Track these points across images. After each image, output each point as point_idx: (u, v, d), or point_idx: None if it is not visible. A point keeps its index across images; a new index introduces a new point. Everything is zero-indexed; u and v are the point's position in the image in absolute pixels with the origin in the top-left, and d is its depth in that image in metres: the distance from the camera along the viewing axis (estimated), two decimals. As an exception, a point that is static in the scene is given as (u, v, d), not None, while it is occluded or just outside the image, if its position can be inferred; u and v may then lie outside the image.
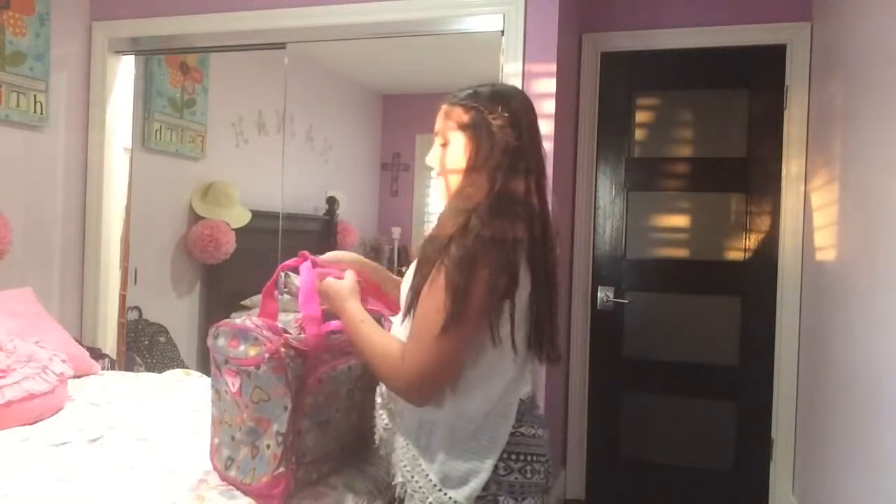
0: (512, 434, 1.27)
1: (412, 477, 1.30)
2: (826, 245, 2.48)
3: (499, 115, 1.27)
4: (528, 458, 1.29)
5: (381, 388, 1.41)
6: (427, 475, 1.28)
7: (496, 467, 1.26)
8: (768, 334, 2.93)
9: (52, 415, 1.97)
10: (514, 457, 1.27)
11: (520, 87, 2.50)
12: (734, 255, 3.03)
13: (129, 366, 3.13)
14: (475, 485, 1.25)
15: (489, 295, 1.19)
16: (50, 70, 2.83)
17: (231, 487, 1.45)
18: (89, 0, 3.06)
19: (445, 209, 1.29)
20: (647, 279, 3.14)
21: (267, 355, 1.36)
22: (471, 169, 1.28)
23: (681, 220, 3.21)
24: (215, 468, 1.50)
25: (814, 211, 2.71)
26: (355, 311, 1.36)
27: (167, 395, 2.27)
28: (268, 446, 1.39)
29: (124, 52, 3.10)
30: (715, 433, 3.06)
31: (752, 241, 2.99)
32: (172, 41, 3.04)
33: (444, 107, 1.35)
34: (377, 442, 1.44)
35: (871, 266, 1.87)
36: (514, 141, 1.26)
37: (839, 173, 2.31)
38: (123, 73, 3.13)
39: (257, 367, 1.38)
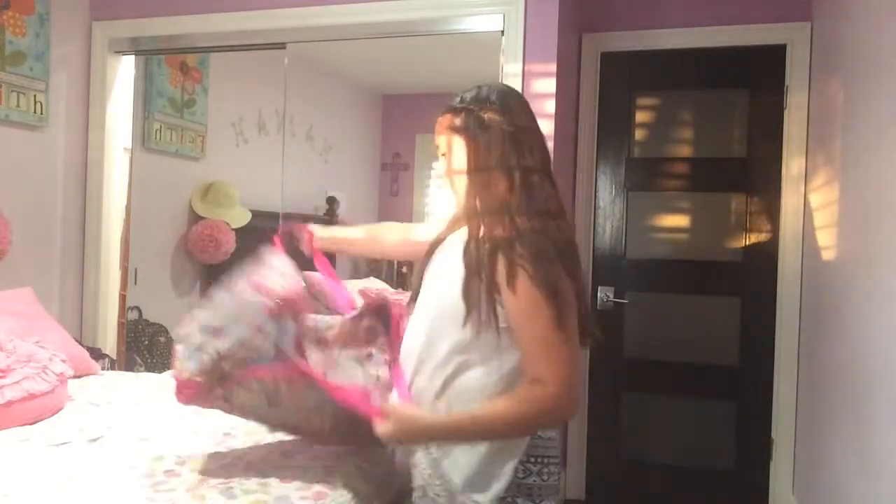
0: (532, 437, 1.28)
1: (433, 480, 1.30)
2: (826, 245, 2.48)
3: (486, 108, 1.28)
4: (545, 460, 1.29)
5: (393, 394, 1.40)
6: (450, 479, 1.28)
7: (516, 471, 1.26)
8: (768, 334, 2.93)
9: (52, 415, 1.97)
10: (532, 459, 1.28)
11: (520, 87, 2.51)
12: (734, 255, 3.03)
13: (129, 366, 3.13)
14: (499, 486, 1.25)
15: (568, 293, 1.20)
16: (50, 70, 2.83)
17: (231, 485, 1.45)
18: (89, 0, 3.06)
19: (478, 210, 1.27)
20: (647, 279, 3.14)
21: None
22: (477, 167, 1.27)
23: (681, 220, 3.21)
24: (176, 377, 1.46)
25: (814, 211, 2.71)
26: (451, 427, 1.25)
27: (167, 395, 2.26)
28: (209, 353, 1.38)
29: (124, 52, 3.10)
30: (715, 433, 3.06)
31: (752, 241, 2.99)
32: (172, 41, 3.04)
33: (438, 119, 1.36)
34: (392, 448, 1.44)
35: (871, 266, 1.87)
36: (508, 126, 1.26)
37: (839, 173, 2.31)
38: (123, 73, 3.13)
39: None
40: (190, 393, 1.41)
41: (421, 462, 1.33)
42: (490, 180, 1.26)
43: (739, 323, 3.01)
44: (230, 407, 1.49)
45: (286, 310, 1.47)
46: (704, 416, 3.08)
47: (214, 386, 1.42)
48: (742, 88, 3.02)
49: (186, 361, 1.40)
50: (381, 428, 1.23)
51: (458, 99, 1.32)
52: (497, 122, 1.26)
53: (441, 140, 1.35)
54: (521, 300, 1.17)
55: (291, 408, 1.48)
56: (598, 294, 3.13)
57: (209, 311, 1.46)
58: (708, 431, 3.08)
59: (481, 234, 1.23)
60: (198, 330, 1.43)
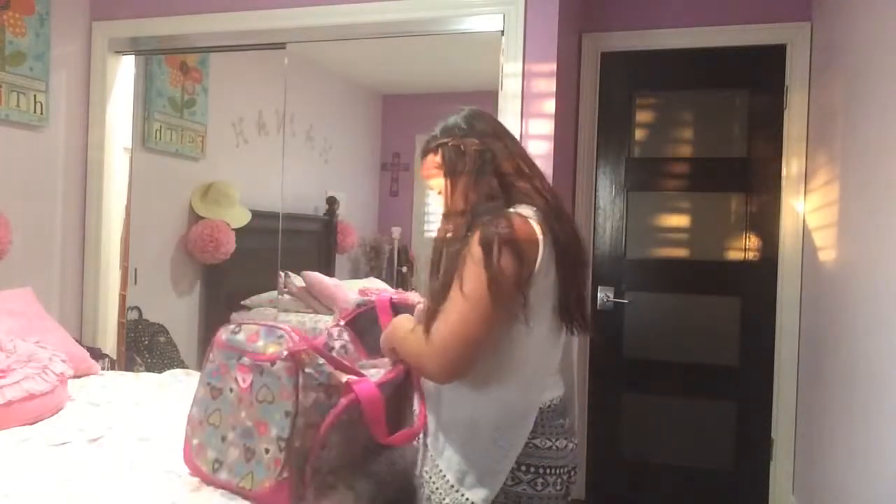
0: (525, 445, 1.28)
1: (430, 478, 1.32)
2: (826, 245, 2.48)
3: (456, 136, 1.38)
4: (540, 470, 1.29)
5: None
6: (444, 475, 1.30)
7: (504, 479, 1.26)
8: (768, 334, 2.93)
9: (52, 415, 1.97)
10: (523, 468, 1.28)
11: (520, 87, 2.51)
12: (734, 255, 3.03)
13: (129, 366, 3.13)
14: (493, 486, 1.26)
15: (504, 278, 1.21)
16: (50, 70, 2.83)
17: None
18: (89, 0, 3.06)
19: (447, 217, 1.37)
20: (647, 279, 3.14)
21: (285, 353, 1.36)
22: (453, 188, 1.37)
23: (681, 220, 3.21)
24: (196, 471, 1.47)
25: (814, 211, 2.71)
26: (392, 325, 1.43)
27: (167, 395, 2.27)
28: (266, 450, 1.36)
29: (124, 52, 3.10)
30: (715, 433, 3.06)
31: (752, 241, 2.99)
32: (172, 41, 3.04)
33: (422, 163, 1.46)
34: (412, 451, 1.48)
35: (871, 266, 1.87)
36: (479, 146, 1.35)
37: (839, 173, 2.31)
38: (123, 73, 3.13)
39: (272, 364, 1.37)
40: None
41: (421, 459, 1.35)
42: (473, 196, 1.34)
43: (739, 323, 3.01)
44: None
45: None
46: (704, 417, 3.08)
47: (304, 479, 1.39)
48: (742, 88, 3.02)
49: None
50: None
51: (431, 138, 1.43)
52: (469, 143, 1.36)
53: (432, 182, 1.44)
54: (455, 283, 1.24)
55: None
56: (598, 294, 3.13)
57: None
58: (708, 431, 3.08)
59: (443, 234, 1.34)
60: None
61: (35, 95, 2.77)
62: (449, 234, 1.32)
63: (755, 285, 2.97)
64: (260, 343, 1.41)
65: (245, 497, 1.40)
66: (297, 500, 1.37)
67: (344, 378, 1.41)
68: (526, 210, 1.29)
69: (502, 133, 1.41)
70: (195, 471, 1.48)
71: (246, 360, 1.41)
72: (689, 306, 3.12)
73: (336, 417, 1.36)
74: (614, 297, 3.11)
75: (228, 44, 2.97)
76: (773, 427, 2.92)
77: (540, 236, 1.25)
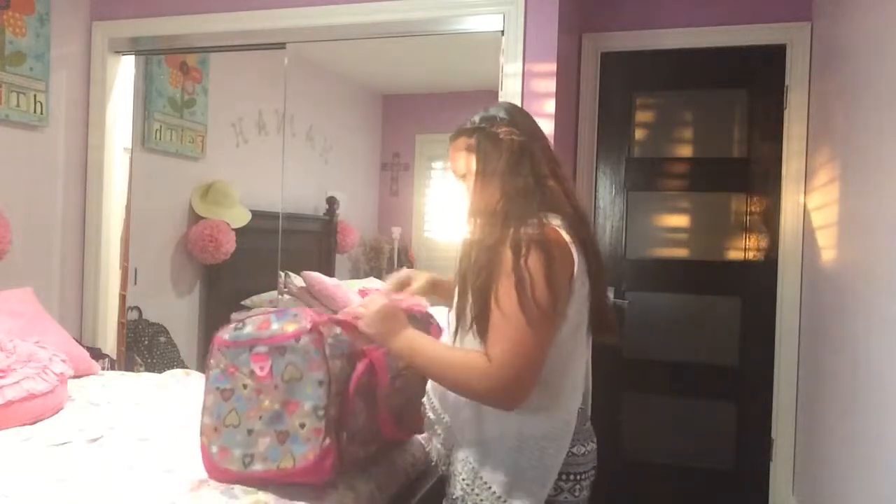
0: (567, 454, 1.29)
1: (472, 490, 1.30)
2: (826, 245, 2.48)
3: (496, 125, 1.33)
4: (577, 476, 1.31)
5: (433, 404, 1.41)
6: (490, 487, 1.28)
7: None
8: (768, 334, 2.93)
9: (52, 415, 1.97)
10: (563, 476, 1.29)
11: (520, 87, 2.51)
12: (734, 254, 3.03)
13: (129, 366, 3.13)
14: (540, 497, 1.26)
15: (556, 286, 1.19)
16: (50, 70, 2.83)
17: (231, 486, 1.45)
18: (89, 0, 3.06)
19: (479, 218, 1.31)
20: (647, 279, 3.14)
21: (309, 326, 1.37)
22: (485, 176, 1.31)
23: (681, 220, 3.21)
24: (224, 475, 1.46)
25: (814, 211, 2.71)
26: (410, 341, 1.32)
27: (167, 395, 2.27)
28: (301, 425, 1.37)
29: (124, 52, 3.10)
30: (715, 433, 3.06)
31: (753, 241, 2.99)
32: (172, 41, 3.04)
33: (450, 144, 1.40)
34: (434, 460, 1.45)
35: (871, 266, 1.87)
36: (520, 137, 1.31)
37: (839, 173, 2.31)
38: (123, 73, 3.13)
39: (297, 340, 1.37)
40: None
41: (460, 473, 1.33)
42: (509, 189, 1.28)
43: (739, 323, 3.01)
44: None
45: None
46: (704, 417, 3.08)
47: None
48: (742, 88, 3.02)
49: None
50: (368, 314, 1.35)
51: (469, 121, 1.37)
52: (511, 133, 1.31)
53: (459, 163, 1.38)
54: (501, 293, 1.19)
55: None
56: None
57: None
58: (708, 431, 3.08)
59: (485, 238, 1.26)
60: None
61: (35, 95, 2.77)
62: (480, 236, 1.27)
63: (755, 285, 2.97)
64: (275, 326, 1.42)
65: (286, 478, 1.40)
66: (340, 465, 1.39)
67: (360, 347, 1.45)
68: (554, 219, 1.26)
69: (540, 133, 1.38)
70: (222, 475, 1.46)
71: (262, 347, 1.41)
72: (689, 306, 3.12)
73: (357, 380, 1.40)
74: (614, 297, 3.11)
75: (228, 44, 2.97)
76: (773, 427, 2.92)
77: (572, 245, 1.24)
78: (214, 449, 1.47)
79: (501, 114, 1.35)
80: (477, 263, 1.24)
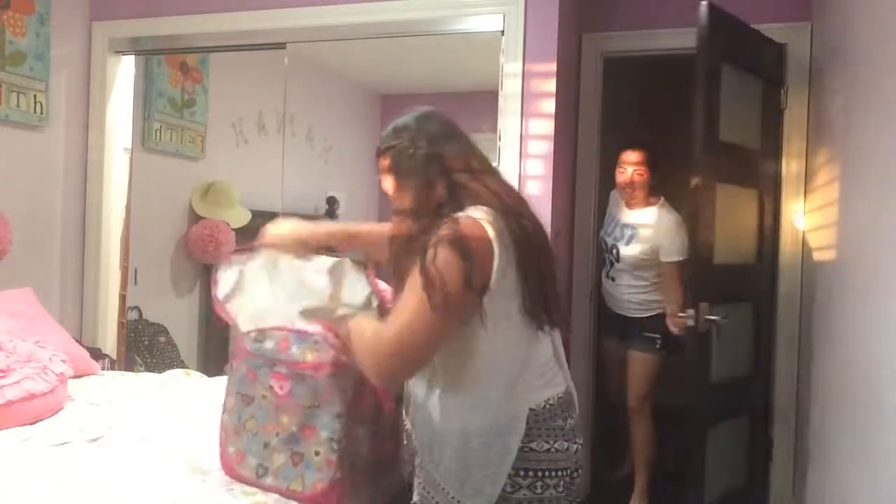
0: (521, 450, 1.27)
1: (428, 492, 1.31)
2: (826, 245, 2.48)
3: (404, 138, 1.38)
4: (540, 473, 1.28)
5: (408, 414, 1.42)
6: (443, 488, 1.29)
7: (505, 485, 1.26)
8: (768, 335, 2.92)
9: (52, 415, 1.97)
10: (521, 473, 1.27)
11: (519, 87, 2.51)
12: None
13: (129, 366, 3.13)
14: (492, 493, 1.25)
15: (466, 281, 1.20)
16: (50, 70, 2.83)
17: (231, 486, 1.45)
18: (89, 0, 3.06)
19: (399, 216, 1.40)
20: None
21: (330, 361, 1.40)
22: (402, 189, 1.37)
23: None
24: (237, 477, 1.48)
25: (814, 211, 2.71)
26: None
27: (167, 395, 2.27)
28: (316, 453, 1.39)
29: (124, 52, 3.10)
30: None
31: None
32: (172, 41, 3.04)
33: (378, 165, 1.45)
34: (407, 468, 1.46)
35: (872, 266, 1.87)
36: (428, 149, 1.34)
37: (839, 173, 2.31)
38: (123, 73, 3.13)
39: (316, 371, 1.40)
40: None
41: (418, 477, 1.34)
42: (422, 196, 1.34)
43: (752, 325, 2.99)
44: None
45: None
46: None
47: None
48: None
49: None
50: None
51: (382, 139, 1.43)
52: (418, 145, 1.35)
53: (385, 184, 1.43)
54: (409, 284, 1.24)
55: None
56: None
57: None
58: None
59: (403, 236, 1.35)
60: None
61: (35, 95, 2.77)
62: (402, 234, 1.34)
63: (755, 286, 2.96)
64: (295, 350, 1.43)
65: (296, 499, 1.42)
66: (346, 499, 1.40)
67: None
68: (477, 212, 1.26)
69: (454, 134, 1.40)
70: (236, 477, 1.48)
71: (282, 368, 1.43)
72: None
73: (357, 407, 1.44)
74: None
75: (228, 44, 2.97)
76: (773, 428, 2.91)
77: (493, 236, 1.23)
78: (232, 450, 1.49)
79: (411, 123, 1.40)
80: (400, 259, 1.32)
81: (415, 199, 1.35)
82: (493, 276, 1.22)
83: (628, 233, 2.94)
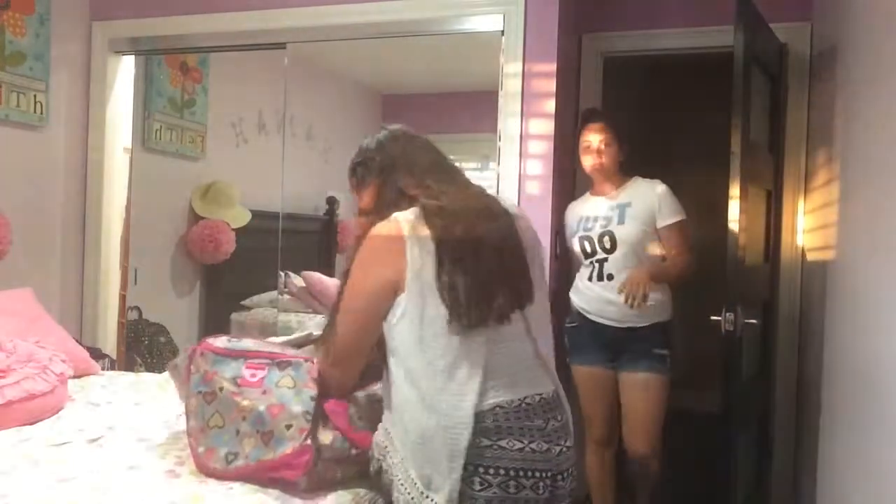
0: (488, 447, 1.27)
1: (405, 488, 1.32)
2: (826, 245, 2.48)
3: (366, 157, 1.53)
4: (511, 472, 1.27)
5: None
6: (415, 483, 1.30)
7: (471, 482, 1.26)
8: (767, 336, 2.92)
9: (52, 415, 1.97)
10: (491, 471, 1.26)
11: (520, 87, 2.51)
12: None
13: (129, 366, 3.13)
14: (451, 487, 1.26)
15: (372, 277, 1.36)
16: (50, 70, 2.83)
17: (231, 486, 1.45)
18: (89, 0, 3.06)
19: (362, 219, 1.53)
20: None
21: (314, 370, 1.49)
22: (363, 196, 1.53)
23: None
24: (211, 473, 1.49)
25: (814, 211, 2.71)
26: None
27: (167, 395, 2.27)
28: (288, 426, 1.42)
29: (124, 52, 3.10)
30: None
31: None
32: (172, 41, 3.04)
33: (351, 188, 1.58)
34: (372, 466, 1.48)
35: (872, 266, 1.87)
36: (386, 161, 1.49)
37: (839, 173, 2.31)
38: (123, 73, 3.13)
39: (300, 363, 1.49)
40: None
41: (396, 475, 1.35)
42: (380, 204, 1.47)
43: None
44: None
45: None
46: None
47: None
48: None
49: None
50: None
51: (350, 162, 1.57)
52: (376, 162, 1.50)
53: (357, 200, 1.56)
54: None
55: None
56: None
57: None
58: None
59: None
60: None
61: (35, 95, 2.77)
62: (361, 232, 1.46)
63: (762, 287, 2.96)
64: (276, 350, 1.58)
65: (265, 471, 1.44)
66: (315, 465, 1.42)
67: None
68: (405, 213, 1.37)
69: (410, 150, 1.51)
70: (209, 472, 1.50)
71: (263, 360, 1.52)
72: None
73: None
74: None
75: (228, 44, 2.97)
76: (773, 428, 2.91)
77: (405, 234, 1.33)
78: (202, 449, 1.51)
79: (372, 144, 1.54)
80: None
81: (368, 202, 1.51)
82: (407, 272, 1.31)
83: (617, 212, 2.47)
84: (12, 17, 2.66)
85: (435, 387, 1.29)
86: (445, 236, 1.32)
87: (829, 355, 2.36)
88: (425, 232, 1.32)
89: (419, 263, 1.30)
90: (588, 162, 2.54)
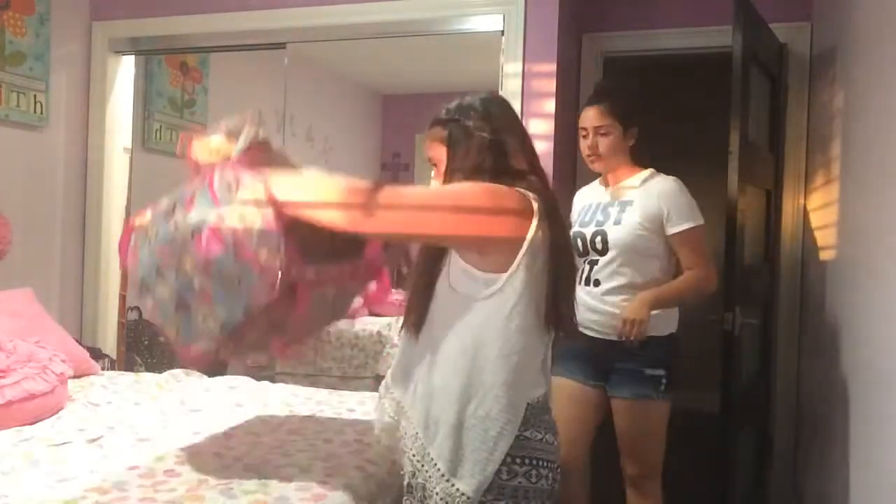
0: (517, 437, 1.27)
1: (422, 466, 1.31)
2: (826, 245, 2.48)
3: (469, 117, 1.34)
4: (535, 462, 1.28)
5: (386, 380, 1.42)
6: (436, 464, 1.29)
7: (499, 472, 1.26)
8: (767, 337, 2.92)
9: (52, 415, 1.97)
10: (518, 460, 1.27)
11: (519, 87, 2.51)
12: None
13: (129, 366, 3.13)
14: (482, 478, 1.25)
15: (501, 211, 1.24)
16: (50, 70, 2.83)
17: (230, 486, 1.45)
18: (89, 0, 3.06)
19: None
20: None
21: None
22: (453, 170, 1.33)
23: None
24: (125, 263, 1.43)
25: (814, 211, 2.71)
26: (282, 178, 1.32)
27: (167, 395, 2.27)
28: (204, 318, 1.33)
29: (124, 52, 3.10)
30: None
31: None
32: (172, 41, 3.04)
33: (427, 132, 1.41)
34: (377, 433, 1.44)
35: (872, 266, 1.87)
36: (490, 135, 1.31)
37: (839, 173, 2.31)
38: (123, 73, 3.13)
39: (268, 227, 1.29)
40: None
41: (410, 449, 1.34)
42: (483, 175, 1.31)
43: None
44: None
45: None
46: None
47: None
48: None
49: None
50: None
51: (444, 111, 1.39)
52: (481, 130, 1.32)
53: (433, 151, 1.40)
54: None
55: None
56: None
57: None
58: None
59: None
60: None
61: (35, 95, 2.77)
62: None
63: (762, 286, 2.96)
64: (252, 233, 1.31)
65: (165, 337, 1.40)
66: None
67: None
68: (528, 193, 1.29)
69: (517, 126, 1.40)
70: (124, 261, 1.43)
71: (226, 234, 1.29)
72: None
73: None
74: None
75: (228, 44, 2.98)
76: (773, 428, 2.91)
77: (536, 213, 1.26)
78: (134, 239, 1.43)
79: (477, 105, 1.36)
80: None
81: (463, 180, 1.31)
82: (523, 250, 1.24)
83: (616, 209, 2.13)
84: (12, 17, 2.66)
85: (503, 378, 1.27)
86: (559, 233, 1.30)
87: (829, 355, 2.36)
88: (546, 221, 1.27)
89: (535, 249, 1.25)
90: (583, 151, 2.21)
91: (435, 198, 1.28)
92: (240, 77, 3.55)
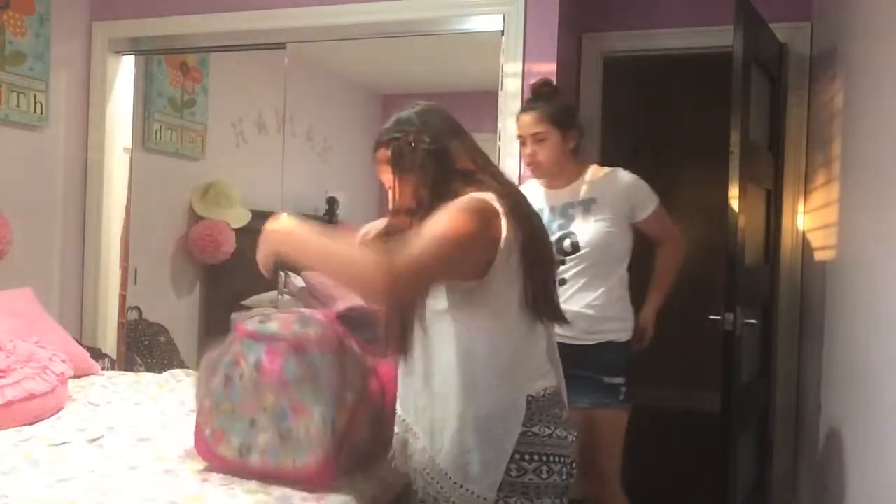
0: (524, 433, 1.27)
1: (432, 479, 1.31)
2: (826, 245, 2.48)
3: (408, 132, 1.35)
4: (544, 458, 1.28)
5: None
6: (447, 474, 1.29)
7: (508, 469, 1.26)
8: (767, 337, 2.92)
9: (52, 415, 1.97)
10: (527, 457, 1.27)
11: (519, 87, 2.51)
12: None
13: (129, 366, 3.13)
14: (495, 476, 1.25)
15: (480, 228, 1.22)
16: (50, 70, 2.83)
17: (232, 485, 1.45)
18: (89, 0, 3.06)
19: (396, 213, 1.38)
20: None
21: (332, 335, 1.42)
22: (402, 183, 1.35)
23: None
24: (216, 459, 1.48)
25: (814, 211, 2.71)
26: (309, 234, 1.27)
27: (167, 395, 2.27)
28: (307, 429, 1.39)
29: (124, 52, 3.10)
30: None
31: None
32: (172, 41, 3.04)
33: (375, 157, 1.42)
34: (388, 457, 1.46)
35: (872, 266, 1.87)
36: (431, 144, 1.33)
37: (839, 173, 2.31)
38: (123, 73, 3.13)
39: (319, 345, 1.42)
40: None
41: (419, 463, 1.34)
42: (423, 191, 1.32)
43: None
44: None
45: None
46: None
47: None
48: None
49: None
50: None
51: (383, 131, 1.40)
52: (421, 141, 1.33)
53: (384, 175, 1.40)
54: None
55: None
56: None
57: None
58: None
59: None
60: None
61: (35, 95, 2.77)
62: (400, 230, 1.31)
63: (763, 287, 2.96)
64: (297, 328, 1.46)
65: (283, 476, 1.43)
66: (338, 477, 1.41)
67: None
68: (485, 195, 1.28)
69: (457, 130, 1.40)
70: (213, 459, 1.48)
71: (280, 344, 1.44)
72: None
73: (371, 395, 1.44)
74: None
75: (228, 44, 2.97)
76: (773, 428, 2.91)
77: (502, 212, 1.25)
78: (209, 432, 1.49)
79: (413, 117, 1.38)
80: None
81: (415, 195, 1.33)
82: (499, 252, 1.24)
83: (579, 211, 2.07)
84: (12, 17, 2.66)
85: (497, 375, 1.28)
86: (527, 226, 1.30)
87: (828, 355, 2.36)
88: (512, 218, 1.27)
89: (509, 248, 1.25)
90: (524, 160, 2.13)
91: (441, 243, 1.20)
92: (240, 77, 3.55)
